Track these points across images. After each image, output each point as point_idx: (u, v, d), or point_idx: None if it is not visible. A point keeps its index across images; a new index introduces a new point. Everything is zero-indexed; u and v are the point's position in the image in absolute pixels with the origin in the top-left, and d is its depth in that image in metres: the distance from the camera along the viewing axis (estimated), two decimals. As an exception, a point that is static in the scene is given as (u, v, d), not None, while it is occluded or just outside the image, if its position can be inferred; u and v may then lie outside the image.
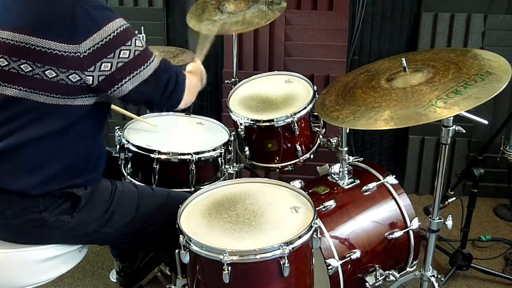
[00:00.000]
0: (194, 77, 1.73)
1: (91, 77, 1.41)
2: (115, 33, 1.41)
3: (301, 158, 2.01)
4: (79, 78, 1.41)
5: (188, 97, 1.63)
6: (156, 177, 1.89)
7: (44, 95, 1.42)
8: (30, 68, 1.40)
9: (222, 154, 1.97)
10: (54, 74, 1.40)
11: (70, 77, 1.40)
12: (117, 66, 1.42)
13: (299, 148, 1.98)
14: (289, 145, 1.98)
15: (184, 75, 1.62)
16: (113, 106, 1.69)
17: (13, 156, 1.46)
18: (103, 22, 1.40)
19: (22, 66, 1.40)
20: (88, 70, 1.40)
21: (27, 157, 1.47)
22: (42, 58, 1.38)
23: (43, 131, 1.45)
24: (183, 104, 1.62)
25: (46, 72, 1.40)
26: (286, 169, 2.04)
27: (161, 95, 1.55)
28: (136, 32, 2.17)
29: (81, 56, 1.38)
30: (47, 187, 1.49)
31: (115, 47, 1.41)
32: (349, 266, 1.81)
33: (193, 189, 1.90)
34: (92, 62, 1.40)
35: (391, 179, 1.99)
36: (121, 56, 1.42)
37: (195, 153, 1.88)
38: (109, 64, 1.41)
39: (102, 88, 1.45)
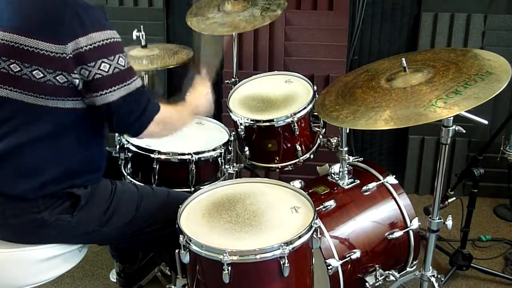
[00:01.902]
0: (176, 113, 1.62)
1: (77, 80, 1.40)
2: (101, 43, 1.39)
3: (301, 158, 2.01)
4: (66, 79, 1.40)
5: (155, 130, 1.52)
6: (156, 177, 1.89)
7: (33, 96, 1.41)
8: (19, 68, 1.40)
9: (222, 154, 1.97)
10: (42, 75, 1.39)
11: (57, 78, 1.39)
12: (94, 77, 1.40)
13: (299, 148, 1.98)
14: (289, 145, 1.98)
15: (157, 107, 1.52)
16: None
17: (8, 160, 1.46)
18: (92, 28, 1.38)
19: (11, 66, 1.40)
20: (74, 72, 1.39)
21: (23, 161, 1.46)
22: (29, 58, 1.38)
23: (37, 134, 1.44)
24: (145, 136, 1.53)
25: (34, 73, 1.39)
26: (286, 169, 2.04)
27: (122, 119, 1.48)
28: (138, 32, 2.20)
29: (67, 57, 1.37)
30: (45, 189, 1.48)
31: (97, 57, 1.39)
32: (349, 266, 1.81)
33: (193, 189, 1.91)
34: (75, 65, 1.39)
35: (391, 179, 1.99)
36: (101, 68, 1.40)
37: (195, 153, 1.89)
38: (87, 72, 1.40)
39: (84, 93, 1.43)
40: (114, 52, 1.42)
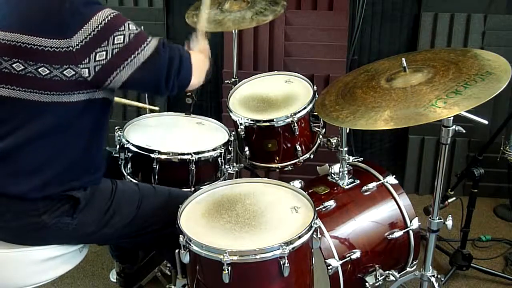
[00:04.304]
0: (200, 54, 1.68)
1: (86, 69, 1.40)
2: (106, 20, 1.40)
3: (301, 158, 2.01)
4: (74, 72, 1.39)
5: (198, 74, 1.58)
6: (156, 177, 1.89)
7: (38, 93, 1.41)
8: (22, 67, 1.39)
9: (222, 154, 1.96)
10: (48, 71, 1.39)
11: (64, 72, 1.39)
12: (113, 53, 1.41)
13: (299, 148, 1.98)
14: (289, 145, 1.98)
15: (188, 52, 1.58)
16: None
17: (9, 159, 1.45)
18: (91, 13, 1.39)
19: (14, 65, 1.40)
20: (83, 62, 1.39)
21: (24, 160, 1.46)
22: (33, 56, 1.38)
23: (38, 132, 1.44)
24: (195, 83, 1.59)
25: (39, 70, 1.39)
26: (286, 169, 2.04)
27: (166, 74, 1.50)
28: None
29: (74, 50, 1.37)
30: (45, 190, 1.48)
31: (108, 34, 1.40)
32: (349, 266, 1.81)
33: (193, 189, 1.90)
34: (86, 54, 1.38)
35: (391, 179, 1.99)
36: (115, 42, 1.41)
37: (195, 153, 1.88)
38: (104, 53, 1.40)
39: (100, 79, 1.42)
40: (121, 22, 1.43)
